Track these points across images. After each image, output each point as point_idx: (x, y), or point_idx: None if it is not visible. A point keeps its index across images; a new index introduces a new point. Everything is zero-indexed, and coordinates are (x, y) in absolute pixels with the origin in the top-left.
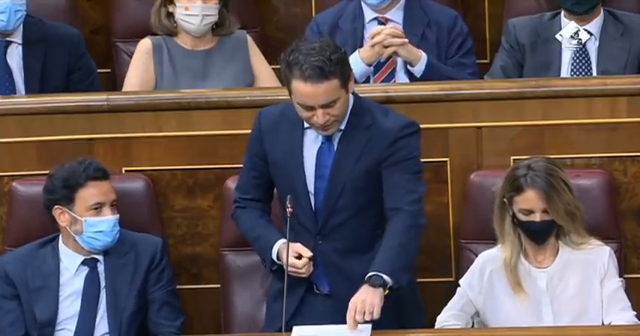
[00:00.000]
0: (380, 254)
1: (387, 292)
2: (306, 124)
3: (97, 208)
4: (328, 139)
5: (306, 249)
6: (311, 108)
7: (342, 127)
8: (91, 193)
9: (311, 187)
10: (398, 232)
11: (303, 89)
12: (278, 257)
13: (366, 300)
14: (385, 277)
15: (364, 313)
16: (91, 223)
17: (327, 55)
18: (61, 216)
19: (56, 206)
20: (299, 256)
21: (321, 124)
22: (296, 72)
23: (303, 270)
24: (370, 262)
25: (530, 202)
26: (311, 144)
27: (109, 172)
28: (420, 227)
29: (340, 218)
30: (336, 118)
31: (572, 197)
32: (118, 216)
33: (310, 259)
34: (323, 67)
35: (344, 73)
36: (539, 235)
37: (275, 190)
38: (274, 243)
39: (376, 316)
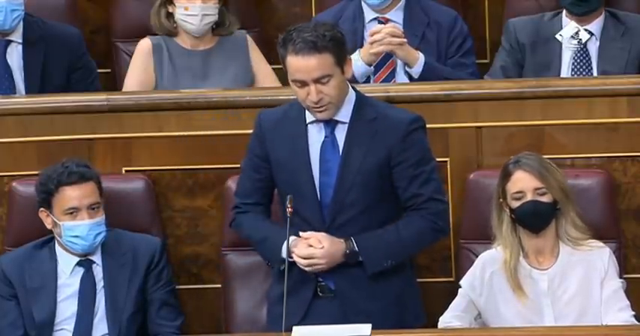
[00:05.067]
0: (378, 231)
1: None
2: (308, 119)
3: (72, 212)
4: (332, 132)
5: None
6: (304, 84)
7: (347, 120)
8: (65, 197)
9: (317, 183)
10: (413, 226)
11: (295, 63)
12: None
13: (327, 252)
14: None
15: (311, 262)
16: (68, 227)
17: (320, 32)
18: (47, 219)
19: (41, 209)
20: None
21: (314, 101)
22: (289, 47)
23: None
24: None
25: (519, 182)
26: (314, 139)
27: (91, 173)
28: (441, 233)
29: (349, 214)
30: (331, 98)
31: (563, 177)
32: (99, 219)
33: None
34: (315, 41)
35: (338, 51)
36: (533, 220)
37: (276, 192)
38: (283, 242)
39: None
